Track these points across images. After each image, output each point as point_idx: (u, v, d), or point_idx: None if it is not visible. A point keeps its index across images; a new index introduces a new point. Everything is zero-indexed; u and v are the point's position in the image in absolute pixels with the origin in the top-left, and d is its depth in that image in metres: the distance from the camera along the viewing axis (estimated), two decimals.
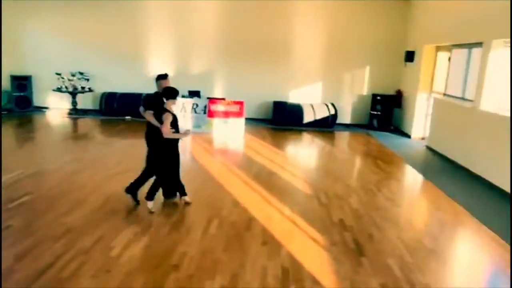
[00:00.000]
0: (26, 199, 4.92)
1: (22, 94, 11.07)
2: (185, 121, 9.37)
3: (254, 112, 11.41)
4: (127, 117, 10.86)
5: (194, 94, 9.89)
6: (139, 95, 10.94)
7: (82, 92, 11.09)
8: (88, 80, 11.11)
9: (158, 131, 4.55)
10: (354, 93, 11.39)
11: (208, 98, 9.77)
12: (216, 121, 9.49)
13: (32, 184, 5.44)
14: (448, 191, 5.82)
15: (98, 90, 11.35)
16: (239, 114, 9.45)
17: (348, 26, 10.89)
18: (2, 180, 5.50)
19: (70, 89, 10.90)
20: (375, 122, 11.04)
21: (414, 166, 7.25)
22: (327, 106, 10.96)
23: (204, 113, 9.46)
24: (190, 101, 9.45)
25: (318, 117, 10.79)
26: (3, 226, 4.15)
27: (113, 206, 4.77)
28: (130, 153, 7.32)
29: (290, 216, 4.73)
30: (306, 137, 9.84)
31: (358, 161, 7.73)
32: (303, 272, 3.49)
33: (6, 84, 11.08)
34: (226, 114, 9.48)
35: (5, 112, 10.71)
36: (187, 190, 5.02)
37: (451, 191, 5.85)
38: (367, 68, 11.19)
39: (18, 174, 5.79)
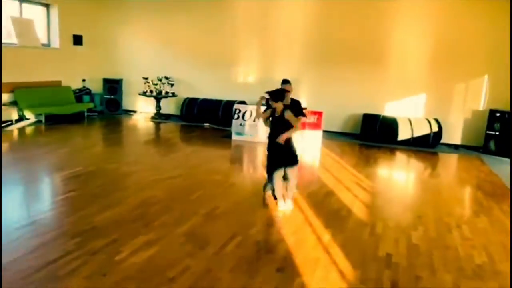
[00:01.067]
0: (71, 194, 5.48)
1: (112, 97, 12.46)
2: (256, 130, 9.47)
3: (341, 125, 11.03)
4: (205, 124, 11.44)
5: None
6: (220, 101, 11.46)
7: (166, 97, 12.02)
8: (172, 85, 12.02)
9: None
10: (466, 107, 10.24)
11: None
12: None
13: (84, 181, 6.05)
14: None
15: (181, 95, 12.19)
16: (316, 125, 9.22)
17: (461, 26, 9.88)
18: (62, 173, 6.23)
19: (155, 94, 11.90)
20: (491, 145, 9.75)
21: None
22: (428, 121, 10.05)
23: None
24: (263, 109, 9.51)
25: (417, 134, 9.95)
26: (35, 218, 4.68)
27: (143, 211, 5.03)
28: (189, 159, 7.66)
29: (327, 244, 4.41)
30: (399, 156, 9.14)
31: (449, 189, 6.88)
32: None
33: (99, 87, 12.60)
34: (302, 125, 9.30)
35: (96, 114, 12.17)
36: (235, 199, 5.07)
37: None
38: (485, 78, 9.97)
39: (77, 171, 6.50)
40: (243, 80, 11.73)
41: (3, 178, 5.87)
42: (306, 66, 11.11)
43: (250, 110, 9.63)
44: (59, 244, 4.07)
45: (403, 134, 10.07)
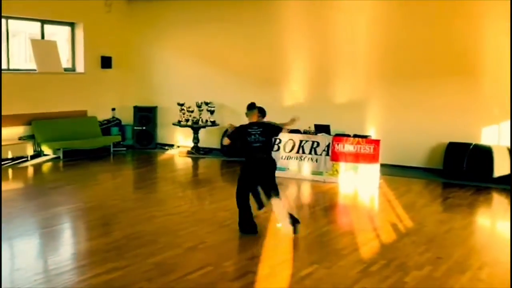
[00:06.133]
0: (57, 228, 7.54)
1: (144, 128, 14.84)
2: (302, 165, 11.00)
3: (422, 158, 12.03)
4: None
5: (321, 129, 11.43)
6: None
7: (204, 127, 14.08)
8: (213, 112, 14.04)
9: None
10: None
11: (336, 135, 11.15)
12: (342, 167, 10.74)
13: (78, 216, 8.14)
14: None
15: (223, 124, 14.14)
16: (372, 158, 10.48)
17: None
18: (57, 209, 8.39)
19: (191, 123, 14.02)
20: None
21: None
22: None
23: (327, 154, 10.88)
24: (310, 138, 11.05)
25: None
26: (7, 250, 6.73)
27: (123, 243, 6.87)
28: (205, 196, 9.46)
29: (301, 277, 5.80)
30: (483, 198, 9.96)
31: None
32: None
33: (130, 117, 15.08)
34: (356, 157, 10.64)
35: (124, 149, 14.59)
36: None
37: None
38: None
39: (75, 207, 8.64)
40: (296, 103, 13.37)
41: None
42: (373, 84, 12.44)
43: (294, 140, 11.21)
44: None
45: (501, 168, 10.82)
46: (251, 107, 7.60)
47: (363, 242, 7.06)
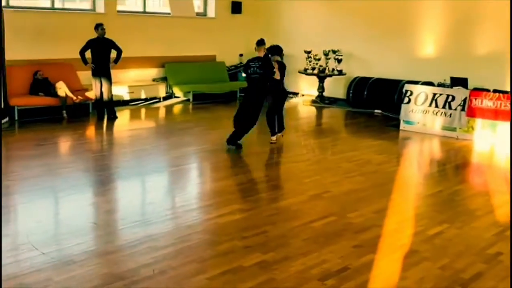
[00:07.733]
0: (183, 167, 7.80)
1: None
2: (433, 119, 10.48)
3: None
4: (376, 111, 12.85)
5: (458, 82, 10.79)
6: (397, 82, 12.68)
7: (331, 76, 13.83)
8: (340, 61, 13.73)
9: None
10: None
11: (474, 89, 10.47)
12: (479, 123, 10.09)
13: (203, 157, 8.38)
14: None
15: (350, 74, 13.83)
16: (506, 115, 9.72)
17: None
18: (185, 149, 8.66)
19: (317, 71, 13.82)
20: None
21: None
22: None
23: (463, 110, 10.25)
24: (444, 91, 10.46)
25: None
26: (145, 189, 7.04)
27: (248, 186, 6.94)
28: (329, 146, 9.33)
29: (429, 236, 5.54)
30: None
31: None
32: None
33: None
34: (495, 114, 9.93)
35: None
36: None
37: None
38: None
39: (201, 148, 8.90)
40: (431, 54, 12.69)
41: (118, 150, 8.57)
42: None
43: (426, 93, 10.67)
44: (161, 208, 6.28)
45: None
46: (259, 43, 8.66)
47: (498, 204, 6.62)
